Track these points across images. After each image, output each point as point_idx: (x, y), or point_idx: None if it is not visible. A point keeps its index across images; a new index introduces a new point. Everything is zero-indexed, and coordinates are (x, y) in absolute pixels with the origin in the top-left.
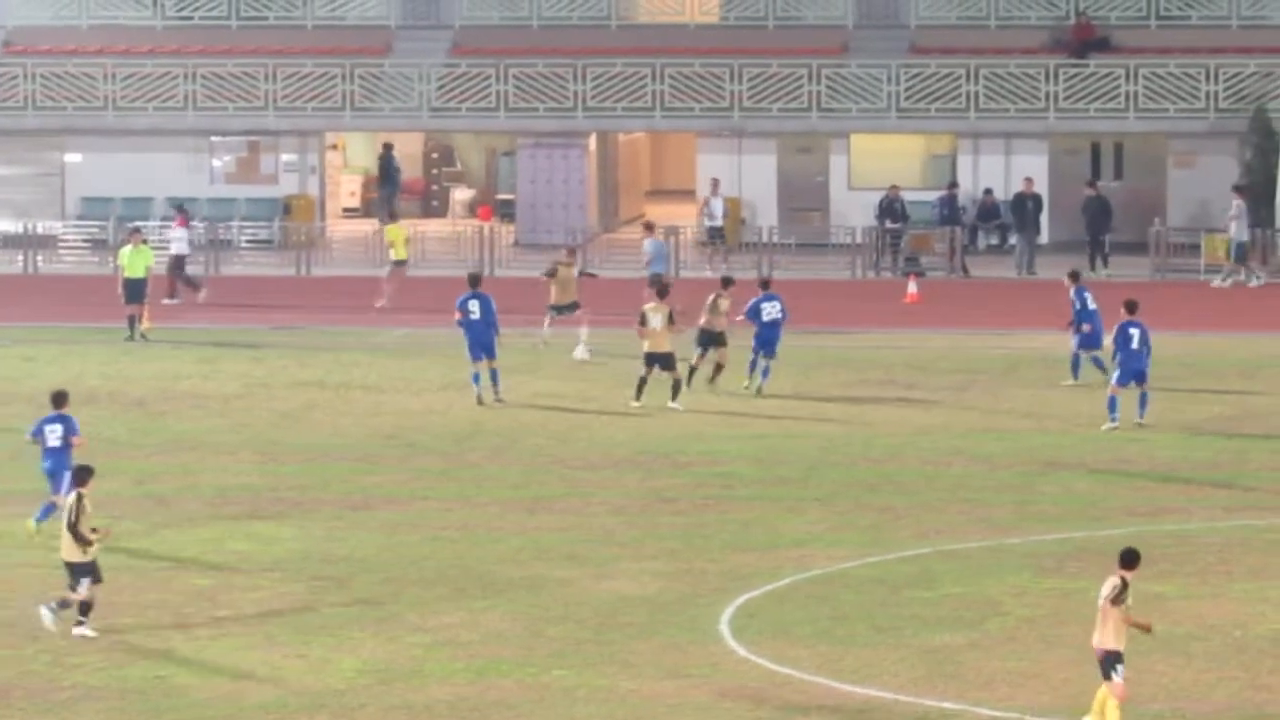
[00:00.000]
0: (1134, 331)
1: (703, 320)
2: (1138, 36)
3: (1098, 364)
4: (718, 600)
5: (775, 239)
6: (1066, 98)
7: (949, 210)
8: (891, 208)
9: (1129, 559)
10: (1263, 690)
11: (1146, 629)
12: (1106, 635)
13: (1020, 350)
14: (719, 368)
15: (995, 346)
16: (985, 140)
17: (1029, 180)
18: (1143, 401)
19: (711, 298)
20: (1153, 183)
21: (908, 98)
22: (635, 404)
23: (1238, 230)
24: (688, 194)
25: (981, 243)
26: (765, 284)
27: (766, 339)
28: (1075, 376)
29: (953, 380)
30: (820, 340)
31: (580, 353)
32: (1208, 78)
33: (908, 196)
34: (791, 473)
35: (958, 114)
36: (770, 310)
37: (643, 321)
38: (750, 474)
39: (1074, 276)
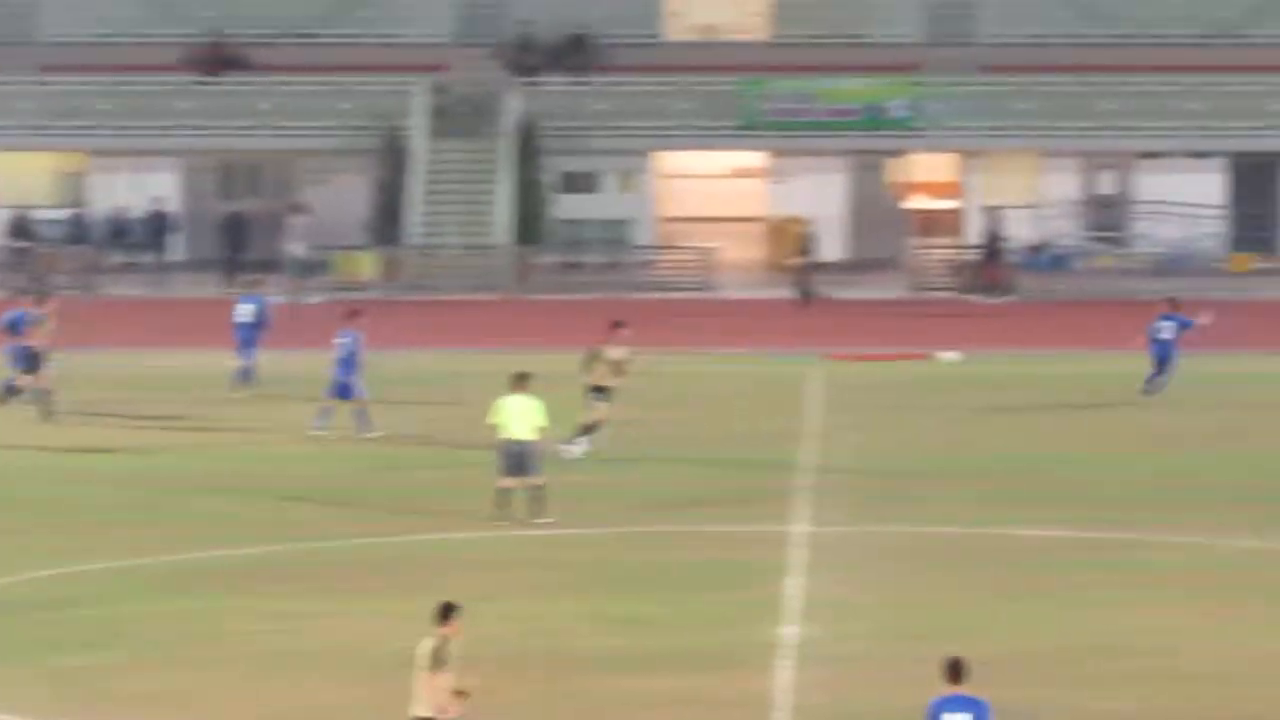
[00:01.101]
0: (339, 342)
1: (35, 340)
2: (272, 55)
3: (238, 377)
4: None
5: None
6: (200, 115)
7: (78, 229)
8: (21, 226)
9: (446, 612)
10: (390, 707)
11: (465, 695)
12: (426, 702)
13: (169, 367)
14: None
15: (130, 364)
16: (117, 159)
17: (160, 199)
18: (358, 417)
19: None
20: (288, 202)
21: (39, 115)
22: None
23: (296, 248)
24: None
25: (113, 261)
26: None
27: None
28: (241, 384)
29: (89, 397)
30: None
31: None
32: (340, 96)
33: (39, 215)
34: None
35: (89, 132)
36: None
37: None
38: None
39: (248, 286)
